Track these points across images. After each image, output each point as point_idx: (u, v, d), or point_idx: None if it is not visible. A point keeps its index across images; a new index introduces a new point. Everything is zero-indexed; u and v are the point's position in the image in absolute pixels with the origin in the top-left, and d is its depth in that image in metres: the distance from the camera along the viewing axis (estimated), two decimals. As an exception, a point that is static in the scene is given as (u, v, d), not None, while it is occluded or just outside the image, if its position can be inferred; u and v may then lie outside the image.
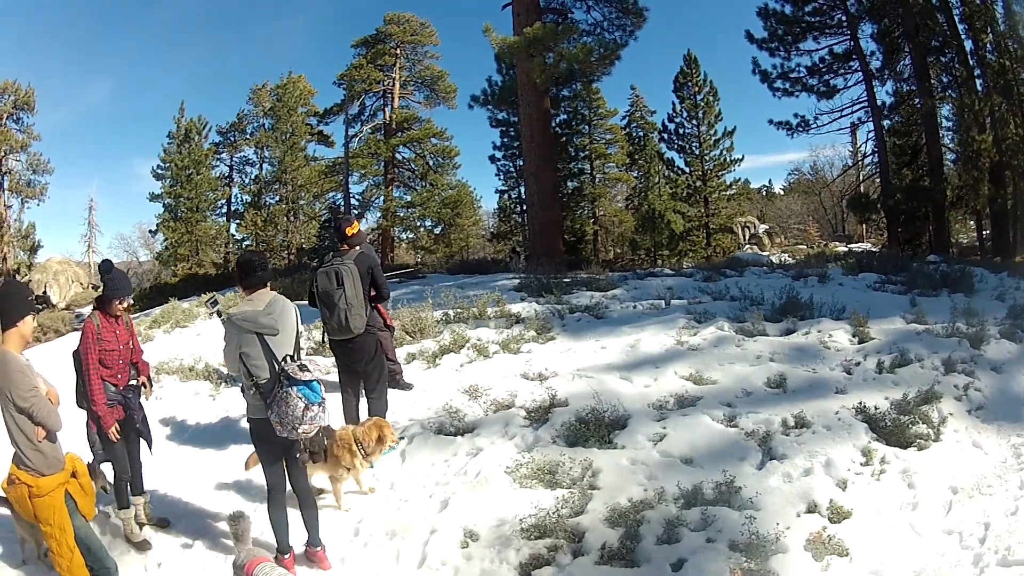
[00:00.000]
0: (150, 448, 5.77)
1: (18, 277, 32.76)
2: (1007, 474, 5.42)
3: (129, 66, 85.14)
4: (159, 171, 39.55)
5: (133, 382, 5.65)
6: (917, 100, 22.55)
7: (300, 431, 4.49)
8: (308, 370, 4.55)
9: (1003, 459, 5.73)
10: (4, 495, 4.23)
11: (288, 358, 4.61)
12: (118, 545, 5.37)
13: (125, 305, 5.54)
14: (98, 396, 5.25)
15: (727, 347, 8.21)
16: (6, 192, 34.42)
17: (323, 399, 4.59)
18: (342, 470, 5.76)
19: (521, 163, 29.45)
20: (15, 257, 34.19)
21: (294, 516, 5.00)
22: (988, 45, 21.68)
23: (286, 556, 4.91)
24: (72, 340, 5.75)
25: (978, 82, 21.98)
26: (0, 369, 3.86)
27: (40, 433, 3.98)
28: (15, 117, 34.78)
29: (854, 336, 8.41)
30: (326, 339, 6.85)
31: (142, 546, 5.42)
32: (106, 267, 5.51)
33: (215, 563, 5.16)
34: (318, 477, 5.94)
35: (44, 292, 37.17)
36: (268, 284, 4.87)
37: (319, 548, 5.03)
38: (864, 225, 36.49)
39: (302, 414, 4.44)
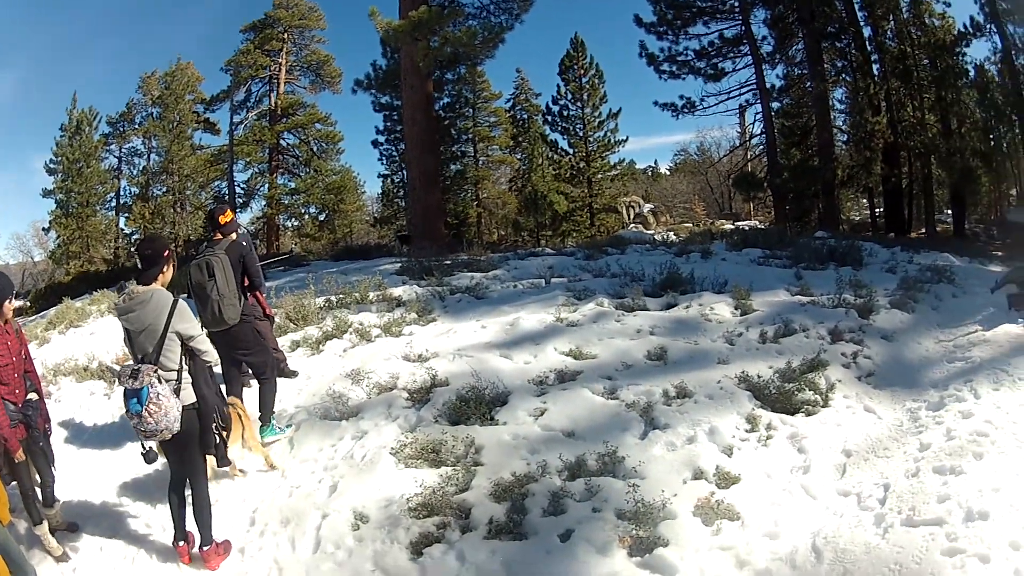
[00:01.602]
0: (52, 467, 5.38)
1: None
2: (904, 437, 5.41)
3: (29, 61, 79.25)
4: (51, 165, 36.99)
5: (32, 396, 5.17)
6: (808, 83, 23.25)
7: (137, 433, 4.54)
8: (137, 379, 4.40)
9: (899, 423, 5.75)
10: None
11: (143, 358, 4.54)
12: (35, 554, 5.13)
13: (11, 306, 5.08)
14: (0, 418, 4.72)
15: (607, 322, 8.15)
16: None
17: (143, 412, 4.38)
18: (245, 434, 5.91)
19: (404, 147, 28.90)
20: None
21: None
22: (888, 32, 22.60)
23: (180, 544, 4.91)
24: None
25: (875, 67, 22.84)
26: None
27: None
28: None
29: (736, 309, 8.41)
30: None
31: (62, 559, 5.12)
32: None
33: (125, 563, 5.11)
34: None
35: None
36: (161, 278, 4.75)
37: (206, 547, 4.88)
38: (752, 203, 37.40)
39: (130, 418, 4.45)
